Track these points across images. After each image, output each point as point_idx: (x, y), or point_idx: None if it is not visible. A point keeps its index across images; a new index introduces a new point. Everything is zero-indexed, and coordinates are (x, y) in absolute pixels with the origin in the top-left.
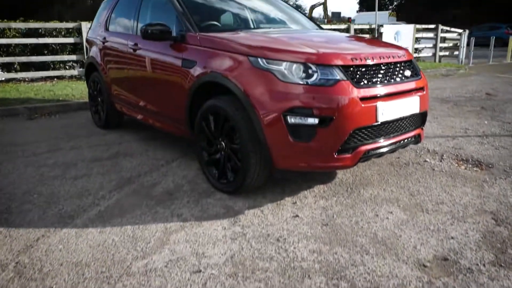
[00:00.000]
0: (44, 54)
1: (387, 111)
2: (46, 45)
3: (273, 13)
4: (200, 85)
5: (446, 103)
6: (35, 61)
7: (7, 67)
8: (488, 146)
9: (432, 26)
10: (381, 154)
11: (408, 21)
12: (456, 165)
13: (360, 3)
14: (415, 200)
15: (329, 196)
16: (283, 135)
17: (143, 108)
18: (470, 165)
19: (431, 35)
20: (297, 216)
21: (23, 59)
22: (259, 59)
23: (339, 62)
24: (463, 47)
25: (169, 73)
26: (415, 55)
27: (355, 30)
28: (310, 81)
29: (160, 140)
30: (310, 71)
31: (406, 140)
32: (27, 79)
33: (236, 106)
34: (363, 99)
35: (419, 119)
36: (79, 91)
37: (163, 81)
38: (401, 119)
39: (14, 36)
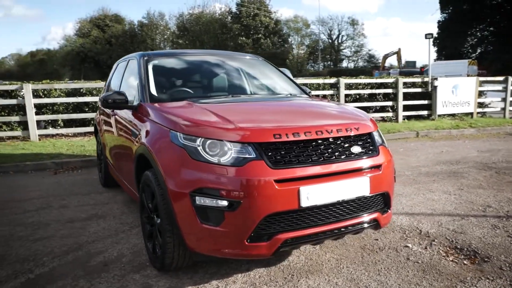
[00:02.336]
0: (84, 112)
1: (315, 195)
2: (86, 103)
3: (244, 79)
4: (138, 155)
5: (486, 171)
6: (75, 118)
7: (52, 123)
8: (501, 231)
9: (501, 78)
10: (313, 242)
11: (492, 71)
12: (444, 254)
13: (438, 51)
14: None
15: (260, 283)
16: (191, 216)
17: (117, 171)
18: (462, 256)
19: (499, 87)
20: None
21: (65, 116)
22: (178, 134)
23: (257, 139)
24: None
25: (126, 140)
26: (479, 110)
27: (405, 83)
28: (223, 159)
29: None
30: (225, 148)
31: (352, 227)
32: (70, 134)
33: (158, 181)
34: (281, 181)
35: (375, 202)
36: None
37: (123, 147)
38: (339, 203)
39: (59, 96)
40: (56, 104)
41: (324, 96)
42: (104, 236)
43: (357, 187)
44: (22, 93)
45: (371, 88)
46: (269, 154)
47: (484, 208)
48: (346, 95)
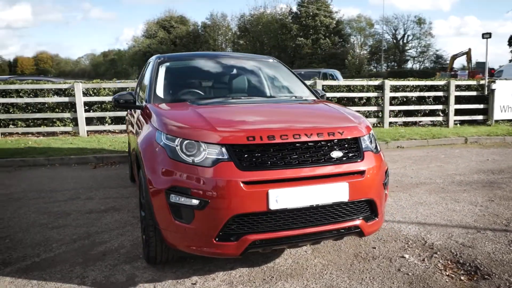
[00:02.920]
0: None
1: (285, 198)
2: None
3: (249, 81)
4: (135, 154)
5: None
6: (121, 115)
7: (100, 120)
8: None
9: None
10: (288, 246)
11: None
12: (441, 268)
13: None
14: None
15: (238, 282)
16: (167, 213)
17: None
18: (461, 272)
19: None
20: None
21: (111, 114)
22: (162, 134)
23: (230, 141)
24: None
25: (134, 139)
26: None
27: (458, 86)
28: (197, 159)
29: None
30: (201, 149)
31: (329, 233)
32: (116, 131)
33: (143, 178)
34: (249, 183)
35: (357, 208)
36: None
37: (133, 145)
38: (314, 208)
39: (107, 94)
40: (104, 102)
41: (368, 99)
42: (113, 227)
43: (334, 193)
44: (73, 92)
45: (420, 90)
46: (241, 156)
47: (507, 223)
48: (392, 98)
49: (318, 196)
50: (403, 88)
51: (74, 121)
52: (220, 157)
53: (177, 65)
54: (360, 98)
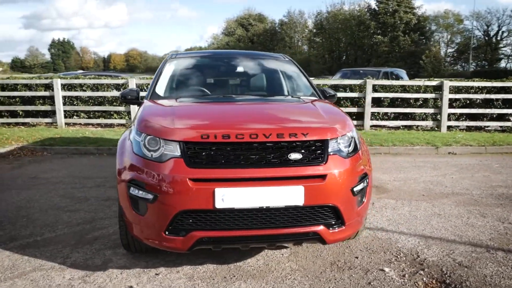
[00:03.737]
0: None
1: (232, 198)
2: None
3: (249, 80)
4: None
5: None
6: None
7: None
8: None
9: None
10: (240, 246)
11: None
12: (421, 286)
13: None
14: None
15: (198, 278)
16: (128, 204)
17: None
18: None
19: None
20: (131, 287)
21: None
22: (134, 129)
23: (183, 138)
24: None
25: None
26: None
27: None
28: (154, 155)
29: None
30: (159, 145)
31: (285, 237)
32: None
33: None
34: (197, 180)
35: (317, 214)
36: None
37: None
38: (264, 210)
39: None
40: None
41: (425, 101)
42: (116, 215)
43: (287, 196)
44: (128, 87)
45: (487, 92)
46: (192, 153)
47: None
48: (453, 100)
49: (269, 198)
50: (467, 90)
51: (129, 114)
52: (173, 153)
53: (183, 63)
54: (416, 100)
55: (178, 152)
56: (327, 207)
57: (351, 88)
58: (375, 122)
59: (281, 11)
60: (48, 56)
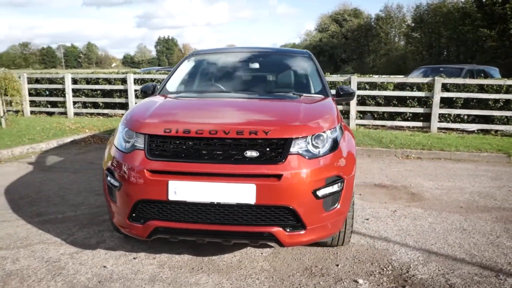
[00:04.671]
0: None
1: (184, 191)
2: None
3: (255, 77)
4: None
5: None
6: None
7: None
8: None
9: None
10: (194, 238)
11: None
12: None
13: None
14: None
15: (169, 266)
16: (106, 191)
17: None
18: None
19: None
20: (104, 267)
21: None
22: (121, 123)
23: (148, 131)
24: None
25: None
26: None
27: None
28: (126, 146)
29: None
30: (132, 137)
31: (239, 235)
32: None
33: None
34: (153, 172)
35: (272, 214)
36: None
37: None
38: (215, 205)
39: None
40: None
41: (508, 102)
42: None
43: (238, 193)
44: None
45: None
46: (153, 145)
47: None
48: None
49: (220, 194)
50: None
51: None
52: (139, 145)
53: (199, 60)
54: (496, 101)
55: (142, 144)
56: (283, 208)
57: (419, 87)
58: (444, 125)
59: (378, 5)
60: (154, 53)
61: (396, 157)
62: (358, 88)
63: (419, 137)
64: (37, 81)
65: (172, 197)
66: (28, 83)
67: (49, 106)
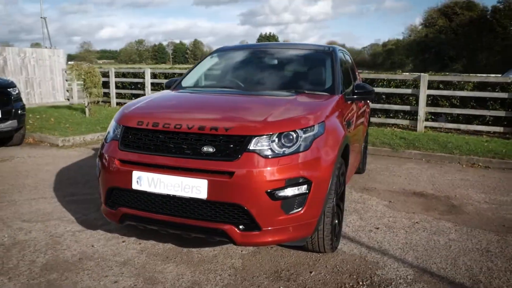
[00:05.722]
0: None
1: (144, 182)
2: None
3: (273, 73)
4: None
5: None
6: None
7: None
8: None
9: None
10: (158, 228)
11: None
12: None
13: None
14: None
15: (147, 253)
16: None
17: None
18: None
19: None
20: (93, 246)
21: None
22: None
23: (125, 123)
24: None
25: None
26: None
27: None
28: (109, 136)
29: None
30: (116, 129)
31: (193, 229)
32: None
33: None
34: (122, 161)
35: (223, 211)
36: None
37: None
38: (171, 197)
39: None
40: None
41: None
42: None
43: (191, 188)
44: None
45: None
46: (126, 137)
47: None
48: None
49: (175, 187)
50: None
51: None
52: (115, 136)
53: (221, 55)
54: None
55: (118, 135)
56: (235, 206)
57: (503, 87)
58: None
59: None
60: None
61: (459, 164)
62: (430, 87)
63: (495, 144)
64: (123, 75)
65: (135, 186)
66: (116, 77)
67: (132, 98)
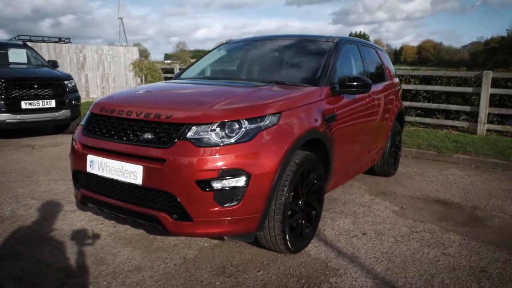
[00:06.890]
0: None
1: (95, 165)
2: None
3: (269, 64)
4: None
5: None
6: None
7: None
8: None
9: None
10: (111, 212)
11: None
12: None
13: None
14: None
15: (121, 239)
16: None
17: None
18: None
19: None
20: (74, 225)
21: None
22: None
23: (91, 110)
24: None
25: None
26: None
27: None
28: (82, 122)
29: None
30: (87, 116)
31: (135, 215)
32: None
33: None
34: (83, 145)
35: (155, 198)
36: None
37: None
38: (114, 182)
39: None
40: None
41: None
42: None
43: (130, 173)
44: None
45: None
46: (89, 122)
47: None
48: None
49: (118, 172)
50: None
51: None
52: (84, 121)
53: (226, 48)
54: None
55: (86, 121)
56: (166, 193)
57: None
58: None
59: None
60: None
61: None
62: (495, 86)
63: None
64: None
65: (88, 169)
66: None
67: None
